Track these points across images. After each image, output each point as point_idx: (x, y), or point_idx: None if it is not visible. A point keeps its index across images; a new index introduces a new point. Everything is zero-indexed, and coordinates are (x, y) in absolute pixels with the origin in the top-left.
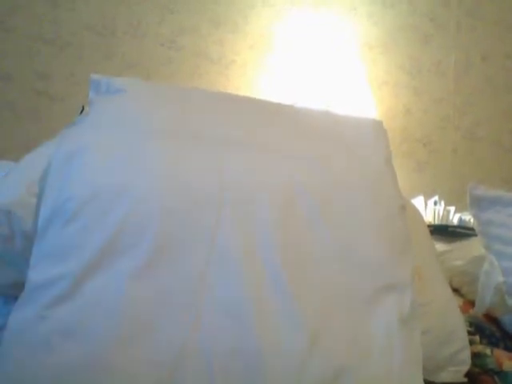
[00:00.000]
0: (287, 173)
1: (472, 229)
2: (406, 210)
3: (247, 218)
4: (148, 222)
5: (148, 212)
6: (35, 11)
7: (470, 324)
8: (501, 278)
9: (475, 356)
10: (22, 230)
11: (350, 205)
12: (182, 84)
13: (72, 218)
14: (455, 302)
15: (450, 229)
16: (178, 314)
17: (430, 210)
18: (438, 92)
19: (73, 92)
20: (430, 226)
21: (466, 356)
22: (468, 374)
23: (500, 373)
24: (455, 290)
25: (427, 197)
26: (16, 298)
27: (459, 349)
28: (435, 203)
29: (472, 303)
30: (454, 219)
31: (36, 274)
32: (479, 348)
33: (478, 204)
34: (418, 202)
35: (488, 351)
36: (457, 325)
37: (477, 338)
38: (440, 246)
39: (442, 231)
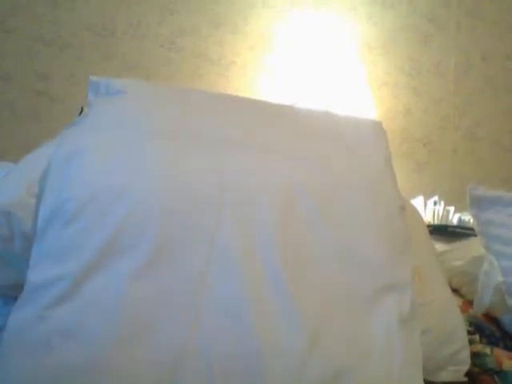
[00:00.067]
0: (287, 173)
1: (472, 229)
2: (406, 210)
3: (247, 219)
4: (148, 223)
5: (148, 213)
6: (35, 11)
7: (470, 324)
8: (500, 278)
9: (475, 355)
10: (21, 230)
11: (350, 205)
12: (181, 85)
13: (71, 219)
14: (455, 302)
15: (449, 229)
16: (177, 315)
17: (429, 210)
18: (438, 92)
19: (73, 92)
20: (429, 226)
21: (465, 356)
22: (468, 374)
23: (500, 372)
24: (455, 290)
25: (427, 197)
26: (15, 299)
27: (459, 348)
28: (435, 203)
29: (471, 303)
30: (454, 219)
31: (35, 275)
32: (479, 347)
33: (477, 204)
34: (418, 202)
35: (488, 351)
36: (456, 324)
37: (476, 337)
38: (440, 246)
39: (441, 231)
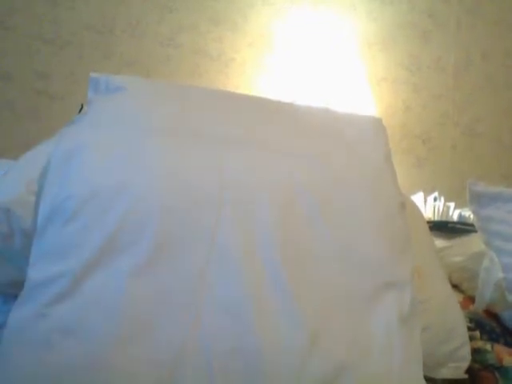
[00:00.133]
0: (287, 171)
1: (472, 225)
2: (406, 207)
3: (247, 217)
4: (148, 221)
5: (148, 210)
6: (35, 10)
7: (470, 320)
8: (501, 274)
9: (475, 352)
10: (21, 228)
11: (350, 202)
12: (181, 82)
13: (72, 217)
14: (455, 299)
15: (449, 225)
16: (177, 313)
17: (429, 206)
18: (438, 88)
19: (72, 91)
20: (429, 222)
21: (466, 352)
22: (468, 370)
23: (500, 368)
24: (455, 286)
25: (427, 193)
26: (15, 297)
27: (459, 345)
28: (435, 199)
29: (472, 299)
30: (454, 215)
31: (36, 272)
32: (479, 344)
33: (477, 200)
34: (418, 198)
35: (488, 347)
36: (457, 321)
37: (477, 333)
38: (440, 242)
39: (441, 227)
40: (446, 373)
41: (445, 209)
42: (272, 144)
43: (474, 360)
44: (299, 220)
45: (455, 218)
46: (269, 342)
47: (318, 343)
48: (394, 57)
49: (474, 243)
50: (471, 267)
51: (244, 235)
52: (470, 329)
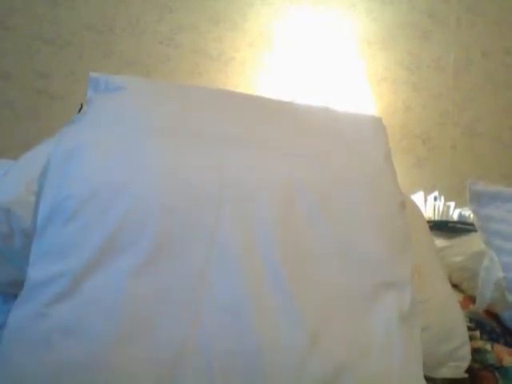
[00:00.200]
0: (287, 170)
1: (472, 224)
2: (406, 206)
3: (247, 216)
4: (148, 220)
5: (148, 210)
6: (35, 10)
7: (470, 320)
8: (501, 274)
9: (475, 351)
10: (21, 228)
11: (350, 202)
12: (181, 81)
13: (72, 217)
14: (455, 298)
15: (449, 224)
16: (177, 312)
17: (429, 205)
18: (437, 88)
19: (72, 90)
20: (429, 221)
21: (466, 352)
22: (468, 370)
23: (500, 368)
24: (455, 286)
25: (427, 192)
26: (15, 297)
27: (459, 345)
28: (435, 199)
29: (472, 299)
30: (454, 215)
31: (35, 272)
32: (479, 343)
33: (477, 199)
34: (418, 197)
35: (488, 347)
36: (457, 321)
37: (477, 333)
38: (440, 242)
39: (441, 227)
40: (445, 372)
41: (445, 208)
42: (272, 143)
43: (474, 360)
44: (299, 219)
45: (455, 217)
46: (269, 341)
47: (317, 343)
48: (394, 56)
49: (474, 243)
50: (471, 267)
51: (244, 234)
52: (470, 328)
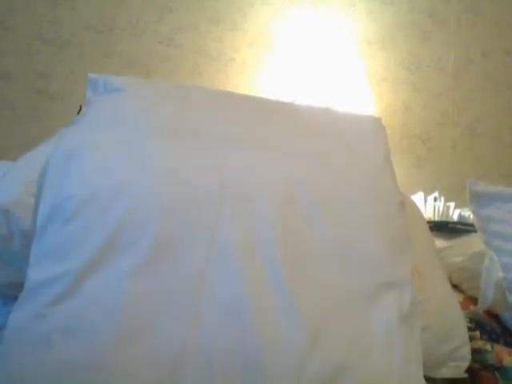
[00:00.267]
0: (287, 170)
1: (472, 225)
2: (406, 207)
3: (247, 216)
4: (147, 220)
5: (147, 210)
6: (35, 10)
7: (471, 320)
8: (501, 274)
9: (475, 352)
10: (20, 229)
11: (350, 202)
12: (180, 81)
13: (72, 217)
14: (455, 299)
15: (449, 225)
16: (177, 312)
17: (429, 206)
18: (437, 88)
19: (72, 90)
20: (429, 222)
21: (466, 352)
22: (468, 370)
23: (500, 368)
24: (455, 286)
25: (427, 193)
26: (15, 298)
27: (459, 345)
28: (435, 199)
29: (472, 299)
30: (454, 215)
31: (36, 273)
32: (479, 344)
33: (477, 200)
34: (418, 198)
35: (488, 347)
36: (457, 321)
37: (477, 333)
38: (440, 242)
39: (441, 227)
40: (445, 372)
41: (445, 209)
42: (272, 143)
43: (473, 360)
44: (299, 219)
45: (455, 217)
46: (269, 341)
47: (317, 343)
48: (394, 56)
49: (474, 243)
50: (471, 267)
51: (244, 234)
52: (470, 329)
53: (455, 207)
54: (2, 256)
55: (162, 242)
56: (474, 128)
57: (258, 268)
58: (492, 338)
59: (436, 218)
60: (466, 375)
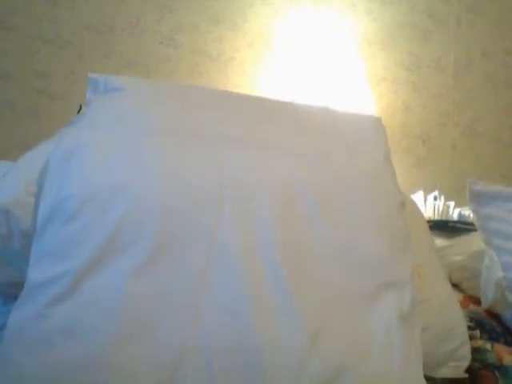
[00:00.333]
0: (287, 170)
1: (472, 224)
2: (406, 206)
3: (247, 216)
4: (147, 220)
5: (147, 210)
6: (35, 10)
7: (471, 319)
8: (501, 274)
9: (475, 351)
10: (20, 229)
11: (350, 202)
12: (181, 81)
13: (72, 217)
14: (455, 298)
15: (449, 224)
16: (177, 312)
17: (429, 205)
18: (437, 88)
19: (72, 90)
20: (429, 221)
21: (466, 351)
22: (468, 369)
23: (500, 367)
24: (455, 285)
25: (427, 192)
26: (15, 298)
27: (459, 344)
28: (435, 198)
29: (472, 298)
30: (454, 214)
31: (36, 273)
32: (479, 343)
33: (477, 199)
34: (418, 197)
35: (488, 346)
36: (457, 320)
37: (477, 332)
38: (440, 242)
39: (441, 226)
40: (446, 372)
41: (445, 208)
42: (272, 143)
43: (474, 359)
44: (299, 219)
45: (455, 216)
46: (269, 341)
47: (317, 343)
48: (394, 56)
49: (474, 242)
50: (471, 266)
51: (244, 234)
52: (470, 328)
53: (455, 206)
54: (2, 256)
55: (162, 242)
56: (473, 128)
57: (258, 268)
58: (492, 337)
59: (436, 217)
60: (466, 375)
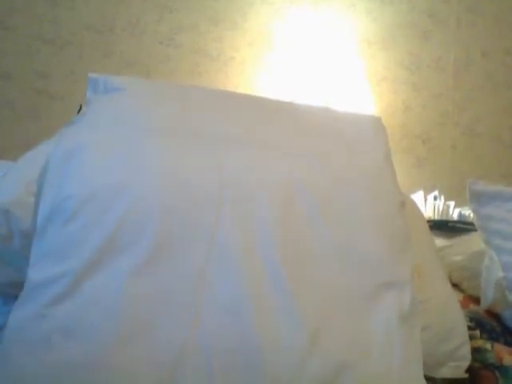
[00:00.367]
0: (287, 170)
1: (472, 224)
2: (406, 206)
3: (247, 216)
4: (147, 220)
5: (147, 210)
6: (35, 10)
7: (471, 319)
8: (501, 273)
9: (475, 351)
10: (20, 229)
11: (350, 202)
12: (180, 81)
13: (72, 217)
14: (455, 298)
15: (449, 224)
16: (177, 312)
17: (429, 205)
18: (437, 88)
19: (72, 90)
20: (429, 221)
21: (466, 351)
22: (468, 369)
23: (500, 367)
24: (455, 285)
25: (427, 192)
26: (15, 298)
27: (459, 344)
28: (435, 198)
29: (472, 298)
30: (454, 214)
31: (36, 273)
32: (479, 343)
33: (477, 199)
34: (418, 197)
35: (488, 346)
36: (457, 320)
37: (477, 332)
38: (440, 242)
39: (441, 226)
40: (446, 372)
41: (445, 208)
42: (272, 143)
43: (474, 359)
44: (299, 219)
45: (455, 216)
46: (269, 341)
47: (318, 343)
48: (394, 56)
49: (474, 242)
50: (471, 266)
51: (244, 234)
52: (470, 328)
53: (455, 206)
54: (2, 256)
55: (162, 242)
56: (473, 128)
57: (258, 268)
58: (492, 336)
59: (436, 217)
60: (466, 375)
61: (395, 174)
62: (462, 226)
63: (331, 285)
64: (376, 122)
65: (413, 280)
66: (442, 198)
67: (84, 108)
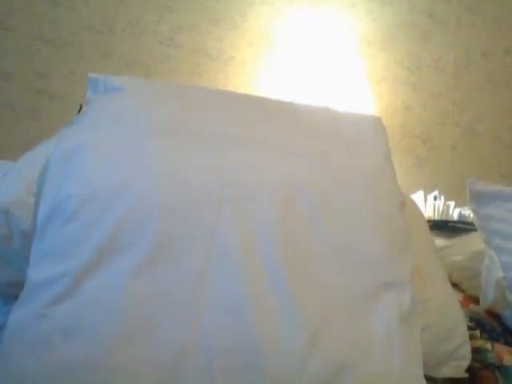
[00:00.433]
0: (287, 170)
1: (472, 224)
2: (406, 206)
3: (247, 216)
4: (147, 220)
5: (147, 210)
6: (35, 10)
7: (471, 319)
8: (501, 274)
9: (476, 351)
10: (20, 229)
11: (350, 202)
12: (181, 81)
13: (72, 217)
14: (455, 298)
15: (449, 224)
16: (177, 312)
17: (429, 205)
18: (437, 88)
19: (72, 90)
20: (429, 221)
21: (466, 351)
22: (469, 369)
23: (500, 367)
24: (455, 285)
25: (427, 192)
26: (16, 298)
27: (459, 344)
28: (435, 198)
29: (472, 298)
30: (454, 214)
31: (36, 273)
32: (480, 343)
33: (477, 199)
34: (418, 197)
35: (488, 346)
36: (457, 320)
37: (477, 332)
38: (440, 242)
39: (441, 226)
40: (446, 372)
41: (445, 208)
42: (272, 143)
43: (474, 359)
44: (299, 219)
45: (455, 216)
46: (269, 341)
47: (318, 343)
48: (394, 56)
49: (474, 242)
50: (471, 266)
51: (244, 234)
52: (470, 328)
53: (455, 206)
54: (2, 256)
55: (162, 242)
56: (474, 128)
57: (258, 268)
58: (492, 336)
59: (436, 217)
60: (466, 375)
61: (395, 174)
62: (462, 225)
63: (331, 285)
64: (376, 122)
65: (413, 280)
66: (442, 198)
67: (84, 108)
